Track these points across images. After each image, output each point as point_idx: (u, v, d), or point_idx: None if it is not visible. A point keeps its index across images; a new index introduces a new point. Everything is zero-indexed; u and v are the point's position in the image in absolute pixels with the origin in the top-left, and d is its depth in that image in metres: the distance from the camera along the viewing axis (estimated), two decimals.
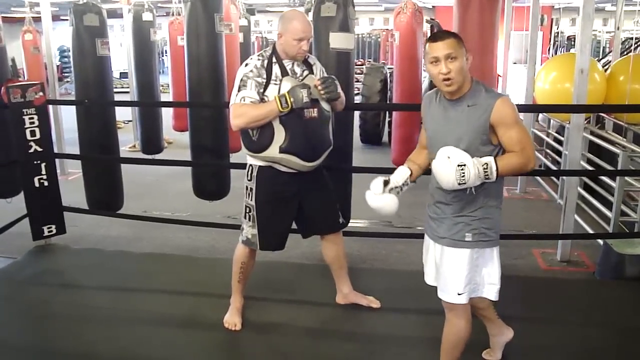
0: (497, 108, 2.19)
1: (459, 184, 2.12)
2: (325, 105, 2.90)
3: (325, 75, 2.99)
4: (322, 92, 2.80)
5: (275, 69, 2.83)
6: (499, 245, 2.36)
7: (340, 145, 3.76)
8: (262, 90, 2.79)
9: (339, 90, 2.90)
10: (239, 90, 2.79)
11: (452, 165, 2.11)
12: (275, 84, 2.80)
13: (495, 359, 2.76)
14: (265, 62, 2.83)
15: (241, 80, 2.80)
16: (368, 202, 2.42)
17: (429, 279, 2.49)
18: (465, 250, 2.29)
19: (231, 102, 2.83)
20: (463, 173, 2.10)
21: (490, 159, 2.14)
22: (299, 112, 2.76)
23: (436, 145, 2.25)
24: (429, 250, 2.46)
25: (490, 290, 2.38)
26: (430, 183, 2.41)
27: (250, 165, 2.96)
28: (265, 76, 2.80)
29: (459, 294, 2.32)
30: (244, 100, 2.77)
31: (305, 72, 2.92)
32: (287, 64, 2.86)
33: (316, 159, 2.93)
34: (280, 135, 2.79)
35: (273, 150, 2.81)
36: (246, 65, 2.83)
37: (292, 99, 2.71)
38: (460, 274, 2.31)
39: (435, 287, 2.42)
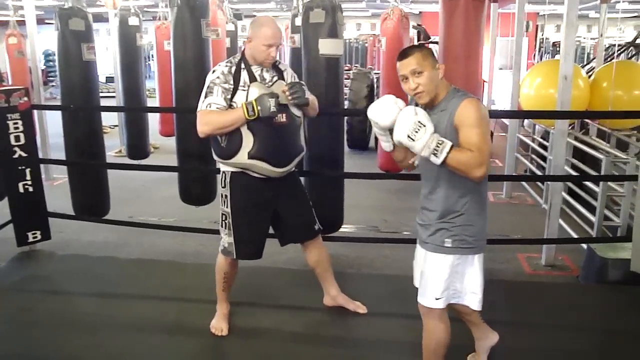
0: (461, 108, 2.20)
1: (409, 136, 2.12)
2: (295, 111, 2.91)
3: (294, 80, 2.99)
4: (289, 97, 2.81)
5: (244, 75, 2.83)
6: (482, 253, 2.36)
7: (330, 151, 3.80)
8: (229, 97, 2.78)
9: (308, 95, 2.90)
10: (205, 97, 2.80)
11: (414, 119, 2.13)
12: (244, 90, 2.80)
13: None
14: (233, 68, 2.83)
15: (208, 86, 2.80)
16: (380, 98, 2.31)
17: (416, 282, 2.50)
18: (446, 256, 2.31)
19: (198, 109, 2.82)
20: (417, 130, 2.12)
21: (448, 143, 2.13)
22: (267, 118, 2.75)
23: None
24: (417, 255, 2.48)
25: (472, 299, 2.39)
26: (421, 191, 2.43)
27: (223, 172, 2.95)
28: (232, 82, 2.80)
29: (436, 299, 2.34)
30: (210, 107, 2.77)
31: (275, 78, 2.92)
32: (256, 70, 2.87)
33: (286, 164, 2.92)
34: (248, 141, 2.78)
35: (242, 156, 2.80)
36: (213, 71, 2.84)
37: (259, 107, 2.71)
38: (439, 278, 2.33)
39: None
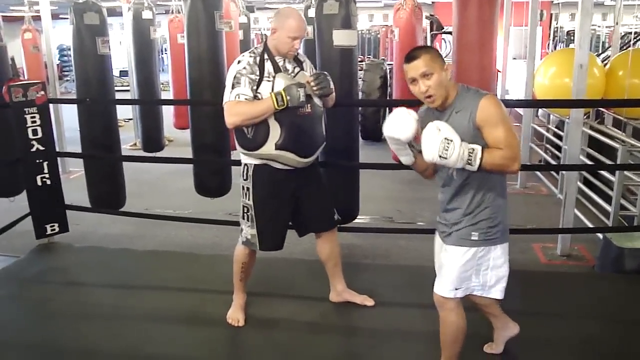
0: (482, 108, 2.19)
1: (440, 156, 2.10)
2: (317, 101, 2.92)
3: (317, 71, 3.00)
4: (315, 88, 2.81)
5: (268, 66, 2.83)
6: (507, 242, 2.38)
7: (345, 141, 3.81)
8: (255, 87, 2.78)
9: (332, 85, 2.91)
10: (232, 88, 2.79)
11: (440, 137, 2.10)
12: (269, 81, 2.80)
13: (496, 352, 2.78)
14: (258, 58, 2.83)
15: (234, 77, 2.80)
16: (393, 113, 2.29)
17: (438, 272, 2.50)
18: (469, 249, 2.32)
19: (225, 100, 2.82)
20: (447, 147, 2.10)
21: (478, 147, 2.14)
22: (294, 109, 2.76)
23: None
24: (440, 249, 2.48)
25: (497, 289, 2.41)
26: (439, 193, 2.43)
27: (245, 164, 2.96)
28: (258, 73, 2.80)
29: (455, 289, 2.36)
30: (239, 98, 2.77)
31: (297, 69, 2.93)
32: (279, 60, 2.87)
33: (311, 154, 2.94)
34: (275, 132, 2.79)
35: (269, 147, 2.81)
36: (239, 62, 2.83)
37: (288, 97, 2.71)
38: (461, 270, 2.34)
39: None
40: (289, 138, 2.80)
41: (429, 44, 8.76)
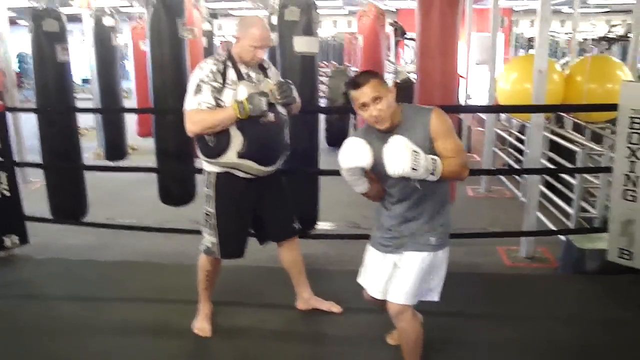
0: (434, 121, 2.28)
1: (412, 168, 2.14)
2: (281, 109, 2.91)
3: (281, 79, 2.99)
4: (278, 97, 2.80)
5: (231, 73, 2.81)
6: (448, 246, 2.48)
7: (306, 148, 3.80)
8: (217, 95, 2.76)
9: (295, 94, 2.90)
10: (194, 95, 2.76)
11: (408, 150, 2.14)
12: (232, 89, 2.78)
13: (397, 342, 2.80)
14: (221, 66, 2.81)
15: (197, 85, 2.76)
16: (346, 144, 2.31)
17: (379, 294, 2.53)
18: (430, 254, 2.38)
19: (186, 107, 2.78)
20: (417, 159, 2.14)
21: (437, 158, 2.22)
22: (256, 117, 2.75)
23: (385, 175, 2.26)
24: (383, 261, 2.50)
25: (437, 292, 2.49)
26: (383, 215, 2.48)
27: (208, 172, 2.93)
28: (221, 80, 2.77)
29: (414, 296, 2.40)
30: (200, 106, 2.74)
31: (261, 77, 2.92)
32: (243, 68, 2.85)
33: (273, 163, 2.93)
34: (237, 140, 2.77)
35: (230, 156, 2.79)
36: (201, 69, 2.79)
37: (250, 106, 2.70)
38: (420, 275, 2.39)
39: None
40: (250, 147, 2.78)
41: (392, 49, 8.84)
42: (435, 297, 2.49)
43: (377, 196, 2.50)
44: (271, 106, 2.78)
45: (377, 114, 2.26)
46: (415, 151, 2.15)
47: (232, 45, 2.88)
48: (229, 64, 2.83)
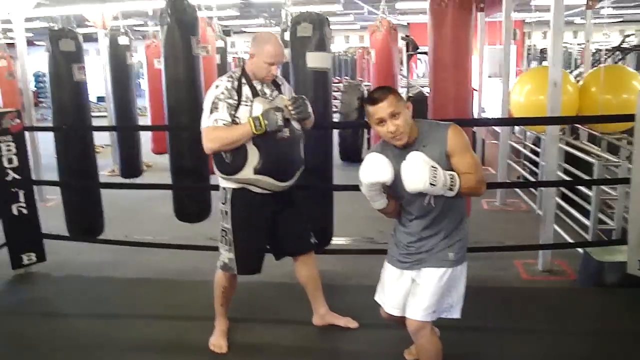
0: (450, 137, 2.28)
1: (431, 184, 2.14)
2: (296, 125, 2.92)
3: (295, 95, 3.01)
4: (293, 112, 2.82)
5: (246, 90, 2.83)
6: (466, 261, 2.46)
7: (320, 163, 3.80)
8: (233, 112, 2.77)
9: (309, 109, 2.91)
10: (210, 113, 2.78)
11: (427, 166, 2.14)
12: (247, 105, 2.79)
13: (415, 358, 2.80)
14: (236, 83, 2.83)
15: (212, 102, 2.79)
16: (367, 159, 2.30)
17: (396, 310, 2.52)
18: (448, 269, 2.36)
19: (203, 125, 2.80)
20: (435, 175, 2.14)
21: (455, 174, 2.22)
22: (272, 133, 2.76)
23: (402, 192, 2.27)
24: (400, 278, 2.49)
25: (459, 308, 2.47)
26: (400, 231, 2.48)
27: (224, 188, 2.95)
28: (236, 97, 2.79)
29: (433, 312, 2.38)
30: (217, 123, 2.76)
31: (275, 93, 2.93)
32: (257, 84, 2.87)
33: (290, 178, 2.94)
34: (254, 156, 2.78)
35: (247, 172, 2.80)
36: (217, 87, 2.82)
37: (266, 122, 2.71)
38: (439, 291, 2.37)
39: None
40: (267, 162, 2.79)
41: (405, 64, 8.86)
42: (455, 314, 2.46)
43: (395, 212, 2.49)
44: (286, 121, 2.80)
45: (394, 129, 2.25)
46: (433, 167, 2.15)
47: (246, 62, 2.90)
48: (244, 80, 2.85)
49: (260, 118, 2.72)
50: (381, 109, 2.25)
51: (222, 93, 2.79)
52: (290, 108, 2.81)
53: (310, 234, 3.19)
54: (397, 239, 2.51)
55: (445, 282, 2.36)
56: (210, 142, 2.77)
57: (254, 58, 2.84)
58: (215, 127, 2.76)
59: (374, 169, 2.26)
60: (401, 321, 2.50)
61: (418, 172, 2.14)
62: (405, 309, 2.46)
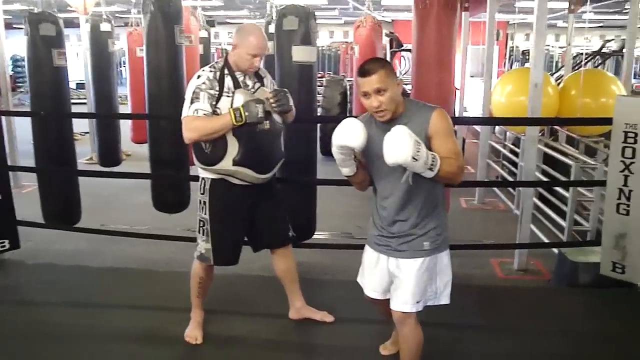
0: (434, 120, 2.26)
1: (413, 157, 2.08)
2: (277, 117, 2.92)
3: (276, 87, 3.00)
4: (274, 104, 2.81)
5: (228, 81, 2.82)
6: (448, 248, 2.46)
7: (303, 158, 3.79)
8: (214, 102, 2.77)
9: (291, 103, 2.92)
10: (191, 103, 2.77)
11: (411, 139, 2.09)
12: (228, 96, 2.79)
13: (391, 352, 2.84)
14: (218, 73, 2.82)
15: (194, 92, 2.77)
16: (343, 122, 2.28)
17: (375, 293, 2.54)
18: (425, 259, 2.36)
19: (183, 114, 2.79)
20: (419, 150, 2.10)
21: (437, 155, 2.18)
22: (252, 125, 2.75)
23: (379, 167, 2.28)
24: (377, 264, 2.50)
25: (446, 295, 2.47)
26: (375, 212, 2.48)
27: (203, 178, 2.94)
28: (217, 88, 2.79)
29: (417, 302, 2.38)
30: (197, 113, 2.75)
31: (257, 85, 2.92)
32: (239, 76, 2.86)
33: (269, 171, 2.93)
34: (233, 147, 2.78)
35: (226, 163, 2.80)
36: (198, 77, 2.81)
37: (246, 113, 2.70)
38: (420, 282, 2.37)
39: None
40: (246, 154, 2.78)
41: (388, 60, 8.87)
42: (443, 300, 2.46)
43: (363, 184, 2.49)
44: (267, 114, 2.79)
45: (377, 105, 2.23)
46: (417, 142, 2.11)
47: (229, 53, 2.88)
48: (226, 72, 2.83)
49: (241, 109, 2.71)
50: (367, 83, 2.23)
51: (204, 83, 2.78)
52: (271, 100, 2.81)
53: (288, 227, 3.19)
54: (373, 219, 2.51)
55: (424, 271, 2.36)
56: (189, 131, 2.76)
57: (236, 49, 2.82)
58: (195, 117, 2.75)
59: (347, 132, 2.23)
60: (382, 305, 2.52)
61: (402, 145, 2.09)
62: (382, 293, 2.50)
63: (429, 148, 2.21)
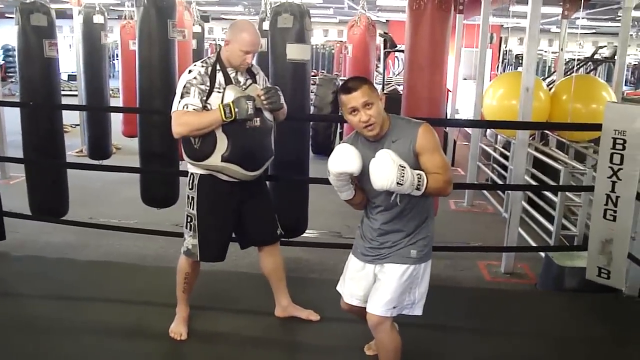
0: (420, 136, 2.29)
1: (398, 183, 2.14)
2: (267, 115, 2.91)
3: (269, 85, 2.99)
4: (265, 102, 2.81)
5: (219, 77, 2.81)
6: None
7: (295, 156, 3.79)
8: (205, 98, 2.76)
9: (282, 100, 2.91)
10: (181, 97, 2.76)
11: (395, 164, 2.14)
12: (219, 92, 2.78)
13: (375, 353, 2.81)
14: (209, 69, 2.81)
15: (184, 87, 2.76)
16: (337, 149, 2.32)
17: (355, 300, 2.55)
18: (410, 266, 2.38)
19: (173, 109, 2.78)
20: (403, 174, 2.15)
21: (422, 173, 2.22)
22: (242, 122, 2.74)
23: (370, 185, 2.27)
24: (363, 270, 2.51)
25: (420, 306, 2.47)
26: (366, 223, 2.50)
27: (192, 173, 2.93)
28: (208, 83, 2.78)
29: (394, 307, 2.39)
30: (187, 108, 2.74)
31: (249, 82, 2.92)
32: (231, 72, 2.85)
33: (258, 168, 2.92)
34: (222, 143, 2.77)
35: (215, 159, 2.78)
36: (190, 72, 2.80)
37: (236, 110, 2.69)
38: (400, 288, 2.38)
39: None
40: (235, 151, 2.77)
41: (382, 61, 8.88)
42: (417, 311, 2.47)
43: (361, 204, 2.50)
44: (257, 111, 2.78)
45: (367, 118, 2.25)
46: (402, 166, 2.15)
47: (222, 49, 2.87)
48: (218, 67, 2.82)
49: (231, 105, 2.70)
50: (354, 99, 2.25)
51: (195, 78, 2.76)
52: (262, 98, 2.80)
53: (277, 225, 3.19)
54: (362, 231, 2.52)
55: (406, 278, 2.38)
56: (179, 126, 2.75)
57: (229, 45, 2.81)
58: (185, 111, 2.73)
59: (343, 159, 2.26)
60: (360, 313, 2.52)
61: (386, 171, 2.14)
62: (364, 301, 2.49)
63: (417, 163, 2.26)
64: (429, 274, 2.47)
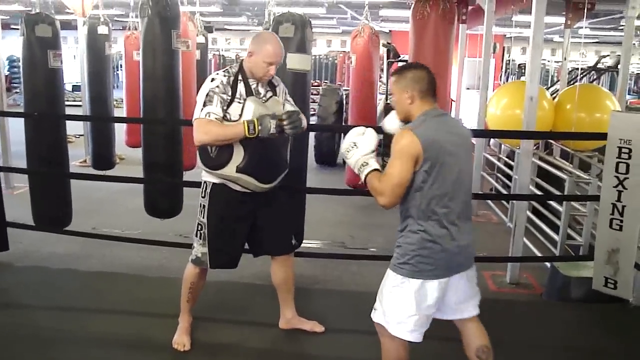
0: (394, 139, 2.30)
1: (344, 154, 2.39)
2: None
3: (291, 107, 2.98)
4: (287, 127, 2.77)
5: (240, 87, 2.82)
6: (422, 279, 2.29)
7: (294, 165, 3.75)
8: (225, 107, 2.77)
9: (304, 124, 2.89)
10: (204, 105, 2.76)
11: (350, 139, 2.37)
12: (239, 103, 2.78)
13: None
14: (231, 79, 2.82)
15: (207, 95, 2.77)
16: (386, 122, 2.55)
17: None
18: (389, 270, 2.37)
19: (195, 116, 2.78)
20: (349, 149, 2.36)
21: (372, 167, 2.31)
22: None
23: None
24: None
25: (392, 327, 2.36)
26: None
27: (205, 182, 2.94)
28: (230, 93, 2.79)
29: (388, 319, 2.35)
30: (209, 116, 2.74)
31: (269, 94, 2.92)
32: (252, 83, 2.86)
33: (272, 180, 2.92)
34: (238, 154, 2.77)
35: (230, 169, 2.79)
36: (212, 80, 2.81)
37: (259, 127, 2.70)
38: (387, 295, 2.35)
39: None
40: (251, 162, 2.78)
41: (385, 71, 8.89)
42: (392, 329, 2.35)
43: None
44: (280, 131, 2.77)
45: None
46: (355, 143, 2.34)
47: (244, 60, 2.88)
48: (240, 77, 2.84)
49: (256, 122, 2.70)
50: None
51: (217, 87, 2.77)
52: (285, 122, 2.77)
53: (291, 236, 3.19)
54: None
55: (392, 287, 2.32)
56: (201, 134, 2.74)
57: (253, 56, 2.82)
58: (208, 120, 2.74)
59: (389, 118, 2.53)
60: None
61: (345, 141, 2.38)
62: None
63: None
64: (404, 297, 2.29)
